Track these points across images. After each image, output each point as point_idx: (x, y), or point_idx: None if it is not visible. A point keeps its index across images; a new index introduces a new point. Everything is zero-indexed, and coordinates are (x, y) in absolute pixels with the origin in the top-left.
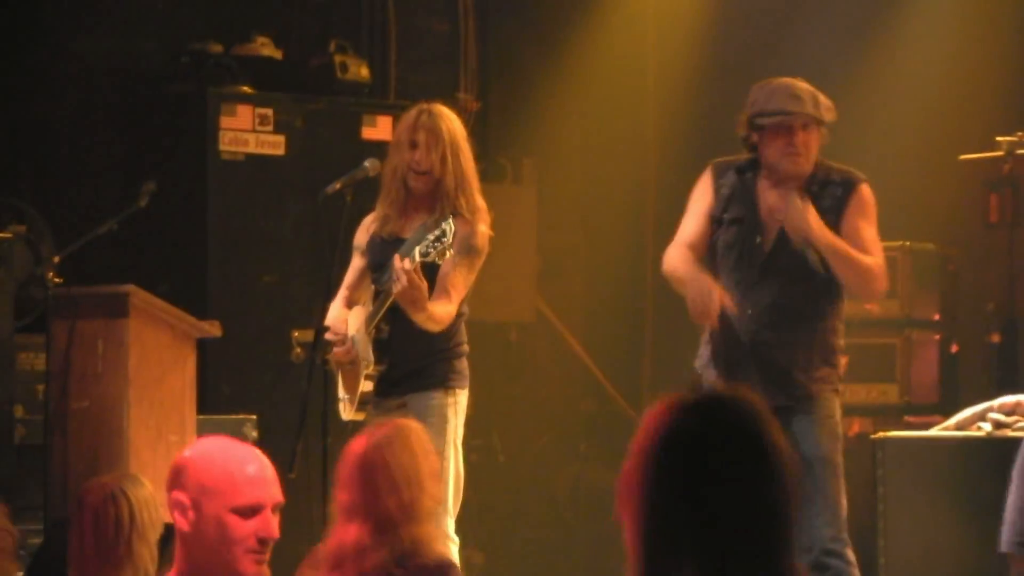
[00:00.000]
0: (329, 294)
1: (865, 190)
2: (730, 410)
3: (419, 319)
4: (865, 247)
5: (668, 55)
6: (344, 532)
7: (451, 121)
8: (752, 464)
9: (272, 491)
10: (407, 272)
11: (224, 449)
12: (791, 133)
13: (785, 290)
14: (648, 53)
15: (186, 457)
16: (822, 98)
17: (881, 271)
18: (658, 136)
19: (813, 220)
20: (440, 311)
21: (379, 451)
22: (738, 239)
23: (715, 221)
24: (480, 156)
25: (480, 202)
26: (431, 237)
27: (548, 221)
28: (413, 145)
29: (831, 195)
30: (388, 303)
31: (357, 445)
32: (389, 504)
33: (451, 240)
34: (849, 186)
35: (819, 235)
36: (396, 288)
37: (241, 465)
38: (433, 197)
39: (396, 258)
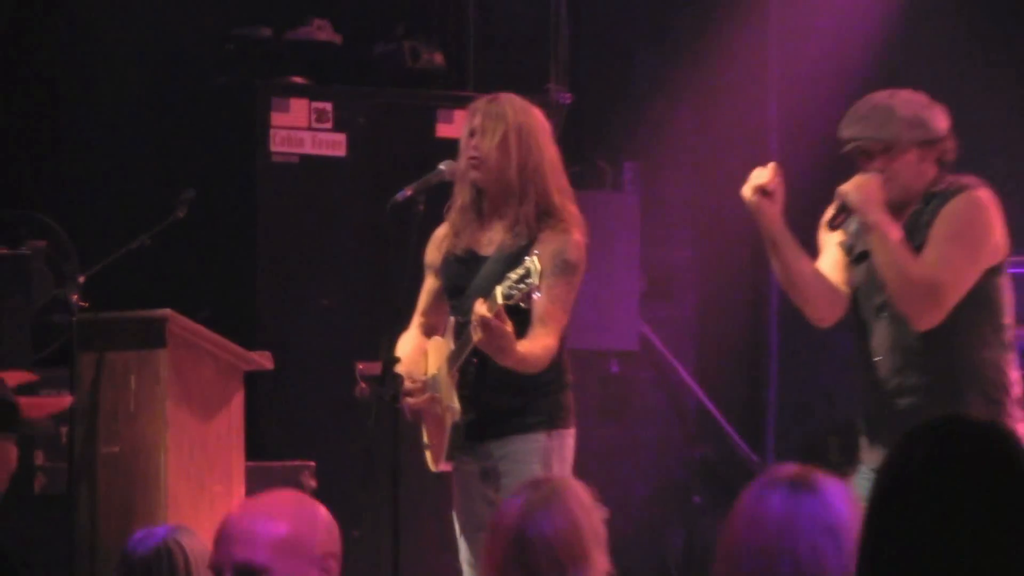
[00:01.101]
0: (399, 320)
1: (961, 200)
2: (990, 438)
3: (511, 366)
4: (928, 258)
5: (791, 53)
6: None
7: (522, 108)
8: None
9: (230, 550)
10: (487, 321)
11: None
12: (861, 162)
13: (903, 328)
14: (770, 43)
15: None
16: (904, 111)
17: (929, 288)
18: (781, 136)
19: (873, 195)
20: (536, 350)
21: (536, 524)
22: (858, 277)
23: (849, 258)
24: (574, 158)
25: (571, 207)
26: (513, 277)
27: (653, 234)
28: (471, 133)
29: (932, 210)
30: (470, 347)
31: (507, 517)
32: None
33: (537, 280)
34: (947, 197)
35: (873, 215)
36: (476, 338)
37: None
38: (506, 200)
39: (477, 304)
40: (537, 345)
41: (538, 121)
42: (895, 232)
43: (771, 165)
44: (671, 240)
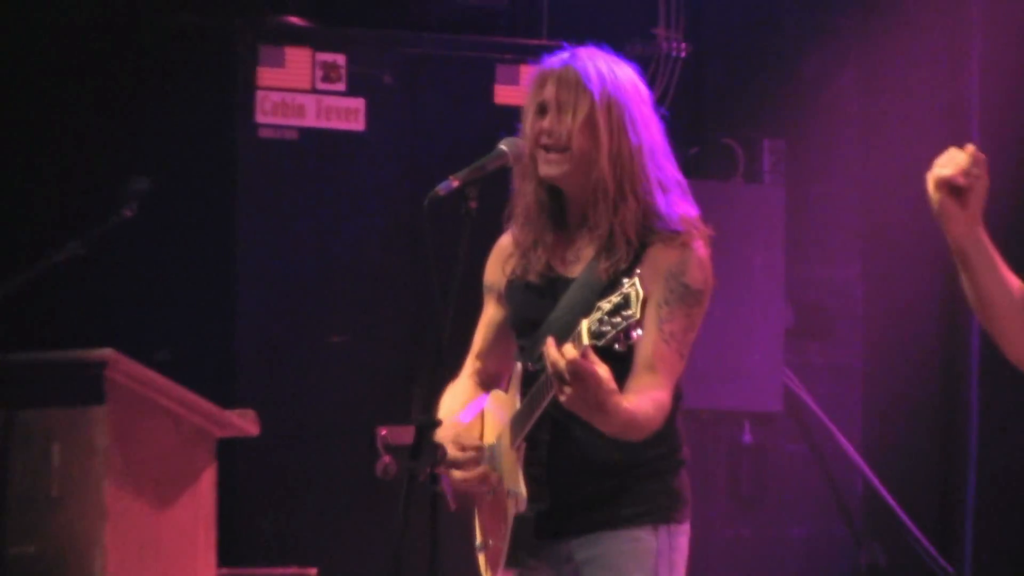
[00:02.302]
0: (440, 365)
1: None
2: None
3: (615, 432)
4: None
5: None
6: None
7: (611, 71)
8: None
9: None
10: (578, 366)
11: None
12: None
13: None
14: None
15: None
16: None
17: None
18: (984, 117)
19: None
20: (646, 408)
21: None
22: None
23: None
24: (690, 135)
25: (686, 207)
26: (606, 307)
27: (805, 243)
28: (541, 110)
29: None
30: (544, 404)
31: None
32: None
33: (639, 312)
34: None
35: None
36: (563, 394)
37: None
38: (595, 203)
39: (549, 343)
40: (646, 401)
41: (636, 87)
42: None
43: (968, 149)
44: (830, 253)
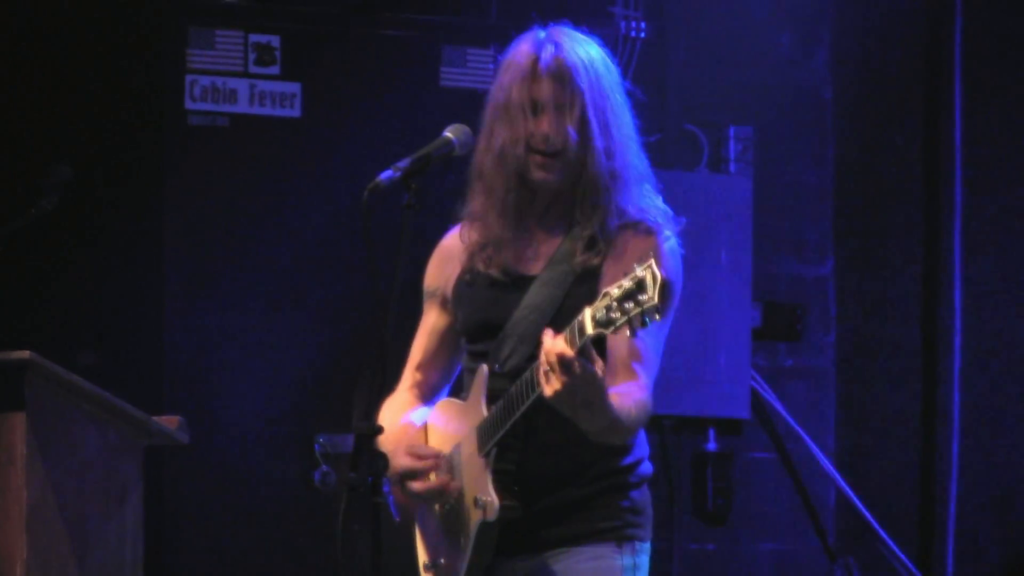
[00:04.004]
0: (383, 369)
1: None
2: None
3: (600, 433)
4: None
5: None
6: None
7: (589, 54)
8: None
9: None
10: (571, 362)
11: None
12: None
13: None
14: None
15: None
16: None
17: None
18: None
19: None
20: (631, 408)
21: None
22: None
23: None
24: (652, 121)
25: (656, 199)
26: (615, 293)
27: (774, 238)
28: (535, 108)
29: None
30: (526, 406)
31: None
32: None
33: (656, 295)
34: None
35: None
36: (549, 388)
37: None
38: (575, 199)
39: (547, 335)
40: (630, 400)
41: (611, 71)
42: None
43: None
44: (801, 249)
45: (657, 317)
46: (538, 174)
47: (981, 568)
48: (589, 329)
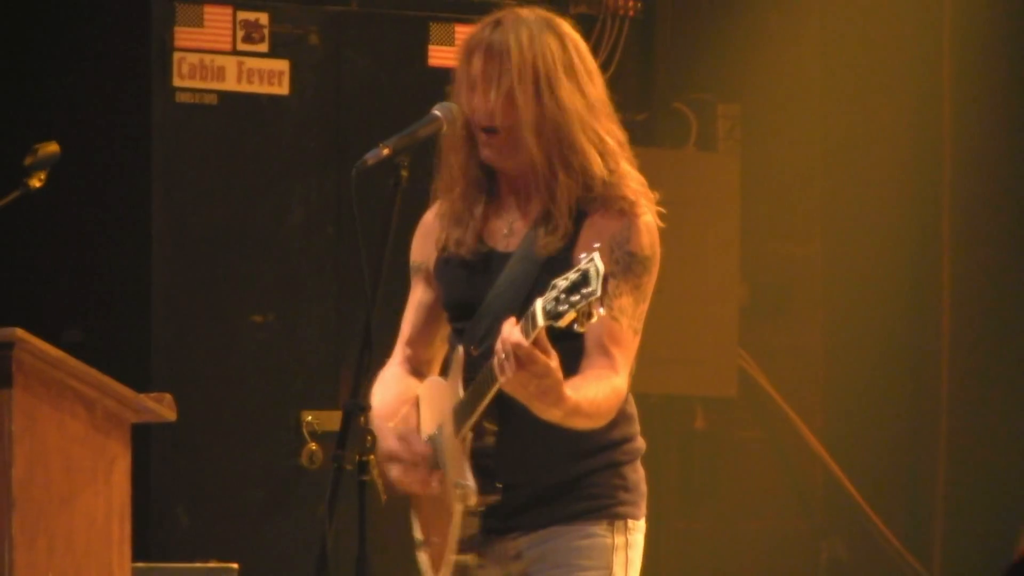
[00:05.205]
0: (369, 348)
1: None
2: None
3: (559, 420)
4: None
5: None
6: None
7: (531, 35)
8: None
9: None
10: (522, 351)
11: None
12: None
13: None
14: None
15: None
16: None
17: None
18: (953, 81)
19: None
20: (599, 395)
21: None
22: None
23: None
24: (640, 99)
25: (631, 170)
26: (562, 284)
27: (761, 217)
28: (471, 86)
29: None
30: (492, 392)
31: None
32: None
33: (600, 289)
34: None
35: None
36: (503, 378)
37: None
38: (527, 174)
39: (506, 326)
40: (601, 387)
41: (563, 48)
42: None
43: None
44: (789, 227)
45: (602, 311)
46: (484, 152)
47: (969, 547)
48: (540, 320)
